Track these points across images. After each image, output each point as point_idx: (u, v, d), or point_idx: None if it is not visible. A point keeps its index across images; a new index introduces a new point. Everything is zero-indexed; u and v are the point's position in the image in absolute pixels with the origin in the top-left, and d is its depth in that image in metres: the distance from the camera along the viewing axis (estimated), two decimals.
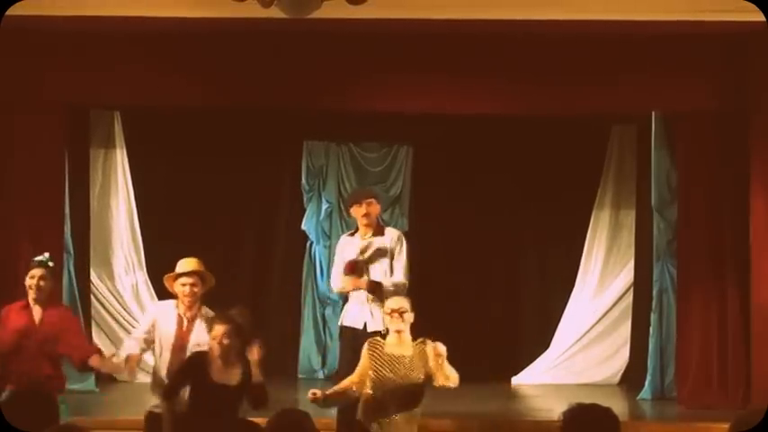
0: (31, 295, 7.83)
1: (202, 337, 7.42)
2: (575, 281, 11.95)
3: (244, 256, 12.21)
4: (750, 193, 9.75)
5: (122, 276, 11.46)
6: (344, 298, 8.90)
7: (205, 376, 7.01)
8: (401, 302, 7.32)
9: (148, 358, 8.20)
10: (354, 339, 8.19)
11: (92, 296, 11.20)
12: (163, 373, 7.49)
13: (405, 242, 8.68)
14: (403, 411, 7.12)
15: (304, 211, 12.04)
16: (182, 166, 11.78)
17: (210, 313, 7.71)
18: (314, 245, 12.00)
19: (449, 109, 10.08)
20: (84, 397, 9.89)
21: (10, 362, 7.61)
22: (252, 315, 7.41)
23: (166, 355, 7.56)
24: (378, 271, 8.54)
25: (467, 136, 11.60)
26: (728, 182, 9.95)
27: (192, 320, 7.67)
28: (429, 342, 7.33)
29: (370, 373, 7.16)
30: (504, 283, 12.30)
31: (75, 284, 10.71)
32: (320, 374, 11.73)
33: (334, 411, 8.05)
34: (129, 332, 10.00)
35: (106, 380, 10.38)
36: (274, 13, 7.48)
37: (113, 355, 7.89)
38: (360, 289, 8.46)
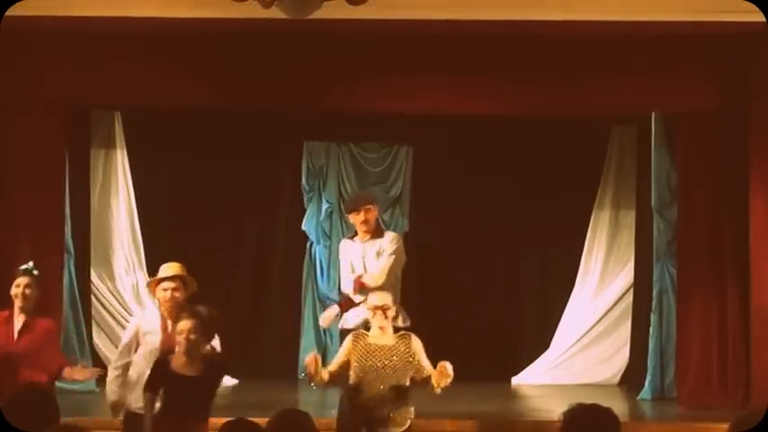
0: (18, 304, 7.82)
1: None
2: (575, 281, 11.95)
3: (244, 256, 12.22)
4: (750, 193, 9.75)
5: (123, 276, 11.46)
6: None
7: (169, 371, 7.01)
8: (384, 299, 7.34)
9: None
10: None
11: (92, 296, 11.20)
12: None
13: (398, 244, 8.71)
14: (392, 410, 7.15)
15: (304, 211, 12.04)
16: (182, 166, 11.78)
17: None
18: (314, 245, 12.00)
19: (449, 109, 10.08)
20: (84, 397, 9.89)
21: None
22: (217, 313, 7.36)
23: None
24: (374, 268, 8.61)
25: (467, 136, 11.61)
26: (728, 182, 9.95)
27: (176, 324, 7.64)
28: (413, 336, 7.38)
29: (353, 362, 7.20)
30: (504, 283, 12.30)
31: (75, 284, 10.72)
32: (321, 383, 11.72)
33: (334, 411, 8.04)
34: None
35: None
36: (275, 13, 7.49)
37: (84, 367, 7.86)
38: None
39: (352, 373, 7.24)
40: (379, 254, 8.67)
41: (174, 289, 7.66)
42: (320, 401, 10.04)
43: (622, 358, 11.75)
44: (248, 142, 11.79)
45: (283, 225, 12.21)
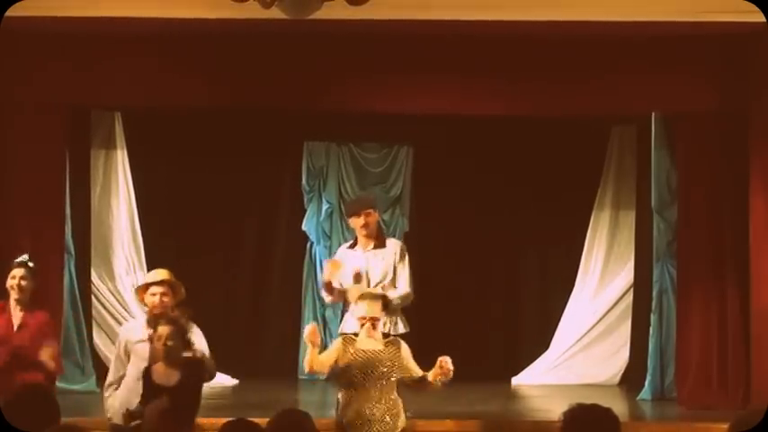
0: (13, 296, 7.84)
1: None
2: (575, 281, 11.96)
3: (244, 256, 12.22)
4: (750, 193, 9.75)
5: (123, 276, 11.46)
6: (344, 304, 8.92)
7: (152, 384, 7.00)
8: (374, 311, 7.30)
9: None
10: None
11: (92, 296, 11.20)
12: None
13: (407, 254, 8.66)
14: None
15: (304, 211, 12.04)
16: (182, 166, 11.79)
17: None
18: (314, 245, 12.00)
19: (449, 110, 10.08)
20: (85, 397, 9.90)
21: None
22: (191, 315, 7.36)
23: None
24: (381, 283, 8.54)
25: (467, 136, 11.61)
26: (728, 182, 9.95)
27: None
28: (402, 342, 7.41)
29: (341, 367, 7.21)
30: (504, 283, 12.31)
31: (75, 285, 10.72)
32: (321, 375, 11.72)
33: (334, 412, 8.04)
34: None
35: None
36: (275, 13, 7.50)
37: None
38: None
39: (342, 379, 7.26)
40: (394, 263, 8.58)
41: (162, 294, 7.60)
42: (320, 401, 10.06)
43: (622, 358, 11.75)
44: (248, 142, 11.80)
45: (283, 225, 12.21)
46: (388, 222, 11.64)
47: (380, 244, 8.65)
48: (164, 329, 7.06)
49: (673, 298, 10.55)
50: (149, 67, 9.66)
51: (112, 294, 11.40)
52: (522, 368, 11.83)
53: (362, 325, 7.28)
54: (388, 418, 7.21)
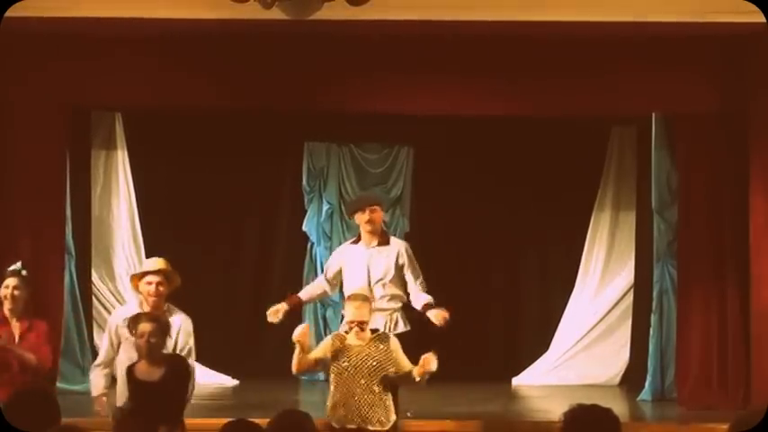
0: (7, 306, 7.81)
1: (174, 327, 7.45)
2: (575, 281, 11.97)
3: (245, 256, 12.23)
4: (750, 193, 9.75)
5: (123, 277, 11.46)
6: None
7: (135, 379, 7.02)
8: (362, 314, 7.30)
9: None
10: None
11: (93, 297, 11.21)
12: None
13: (411, 253, 8.65)
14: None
15: (305, 212, 12.04)
16: (183, 166, 11.79)
17: (175, 310, 7.71)
18: (315, 246, 12.00)
19: (449, 110, 10.08)
20: (85, 398, 9.87)
21: None
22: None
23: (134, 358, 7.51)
24: (382, 281, 8.54)
25: (467, 137, 11.61)
26: (729, 182, 9.95)
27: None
28: (390, 336, 7.49)
29: (332, 363, 7.27)
30: (504, 283, 12.31)
31: (76, 285, 10.73)
32: (321, 375, 11.72)
33: None
34: None
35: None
36: (275, 14, 7.49)
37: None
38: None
39: (330, 373, 7.32)
40: (403, 267, 8.59)
41: (158, 283, 7.64)
42: (320, 402, 10.03)
43: (622, 359, 11.75)
44: (249, 143, 11.80)
45: (284, 226, 12.21)
46: (388, 223, 11.62)
47: (384, 242, 8.65)
48: (145, 326, 7.07)
49: (673, 298, 10.55)
50: (150, 68, 9.66)
51: (113, 295, 11.41)
52: (523, 368, 11.83)
53: (351, 329, 7.30)
54: (379, 412, 7.21)
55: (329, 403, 7.35)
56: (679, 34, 9.42)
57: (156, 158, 11.75)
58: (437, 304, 8.58)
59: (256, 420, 4.77)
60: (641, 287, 11.40)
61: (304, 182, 12.06)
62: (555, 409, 7.35)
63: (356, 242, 8.76)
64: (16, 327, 7.85)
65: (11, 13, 8.54)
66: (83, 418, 8.16)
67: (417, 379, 7.30)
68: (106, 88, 9.80)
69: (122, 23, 9.10)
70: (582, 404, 4.40)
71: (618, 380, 11.76)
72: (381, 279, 8.53)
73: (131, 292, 8.00)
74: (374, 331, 7.46)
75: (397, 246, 8.67)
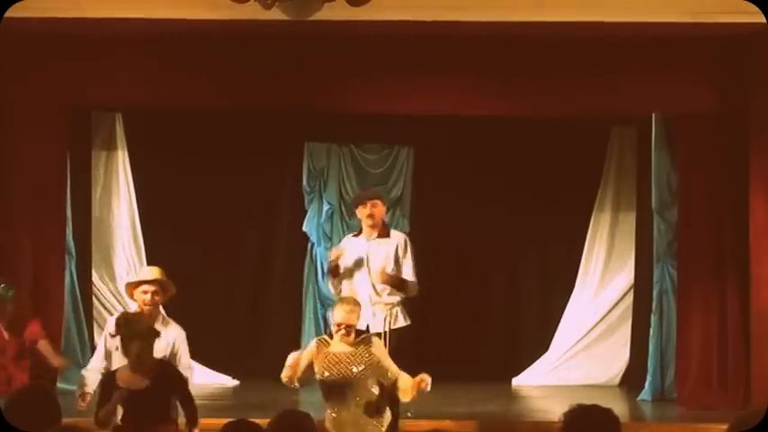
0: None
1: (162, 342, 7.43)
2: (575, 282, 11.96)
3: (245, 257, 12.23)
4: (750, 193, 9.76)
5: (124, 277, 11.42)
6: None
7: (114, 384, 7.00)
8: (351, 319, 7.24)
9: None
10: None
11: (93, 297, 11.22)
12: None
13: (410, 245, 8.71)
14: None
15: (305, 212, 12.04)
16: (183, 167, 11.79)
17: (169, 322, 7.77)
18: (315, 246, 12.00)
19: (450, 110, 10.09)
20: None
21: None
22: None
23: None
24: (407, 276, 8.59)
25: (468, 137, 11.61)
26: (729, 183, 9.96)
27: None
28: (373, 338, 7.39)
29: (317, 371, 7.19)
30: (504, 283, 12.31)
31: (76, 285, 10.74)
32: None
33: None
34: None
35: None
36: (276, 14, 7.50)
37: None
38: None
39: (317, 382, 7.24)
40: (398, 254, 8.62)
41: (153, 292, 7.70)
42: (321, 402, 10.03)
43: (622, 359, 11.75)
44: (249, 143, 11.80)
45: (284, 226, 12.21)
46: (389, 223, 11.62)
47: (384, 234, 8.73)
48: (127, 336, 7.05)
49: (673, 298, 10.55)
50: (150, 68, 9.67)
51: (113, 295, 11.40)
52: (523, 369, 11.83)
53: (337, 331, 7.24)
54: (374, 416, 7.20)
55: (326, 410, 7.30)
56: (679, 34, 9.43)
57: (156, 159, 11.74)
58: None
59: (256, 420, 4.78)
60: (641, 287, 11.41)
61: (304, 182, 12.07)
62: (555, 410, 7.36)
63: (357, 235, 8.88)
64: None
65: (11, 13, 8.54)
66: (83, 417, 8.17)
67: (407, 399, 7.24)
68: (106, 89, 9.81)
69: (123, 24, 9.11)
70: (582, 404, 4.40)
71: (618, 380, 11.76)
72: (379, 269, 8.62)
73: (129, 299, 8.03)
74: (359, 334, 7.32)
75: (397, 238, 8.75)
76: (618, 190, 11.92)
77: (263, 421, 4.82)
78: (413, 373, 7.27)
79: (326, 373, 7.16)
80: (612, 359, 11.78)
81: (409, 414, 8.73)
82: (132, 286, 7.80)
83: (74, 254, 10.77)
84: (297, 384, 7.27)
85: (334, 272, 8.72)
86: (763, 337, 9.61)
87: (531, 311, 12.22)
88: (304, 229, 12.04)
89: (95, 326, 11.15)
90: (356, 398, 7.15)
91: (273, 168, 12.14)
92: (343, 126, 11.58)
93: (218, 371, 11.44)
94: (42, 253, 9.90)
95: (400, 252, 8.66)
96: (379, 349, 7.32)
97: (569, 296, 11.95)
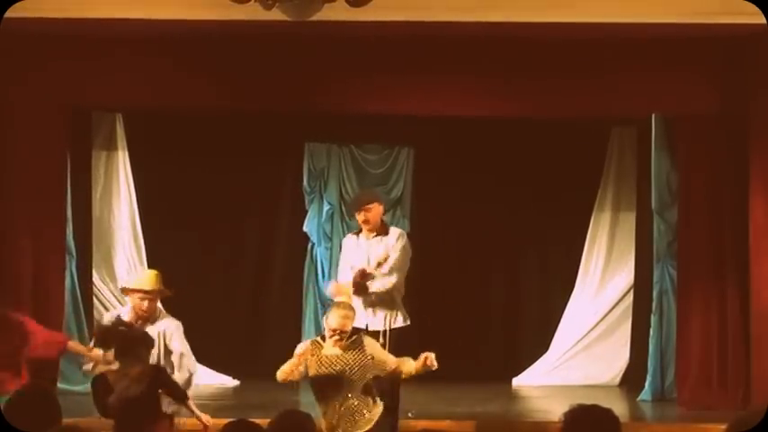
0: None
1: (153, 331, 7.52)
2: (575, 282, 11.97)
3: (245, 257, 12.23)
4: (750, 193, 9.76)
5: (124, 278, 11.45)
6: None
7: (108, 390, 7.01)
8: (345, 325, 7.27)
9: None
10: None
11: (94, 297, 11.22)
12: None
13: (404, 240, 8.70)
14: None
15: (305, 212, 12.05)
16: (183, 167, 11.78)
17: (164, 315, 7.86)
18: (315, 246, 12.01)
19: (450, 111, 10.10)
20: (86, 398, 9.86)
21: None
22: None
23: None
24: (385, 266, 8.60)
25: (468, 138, 11.61)
26: (729, 183, 9.96)
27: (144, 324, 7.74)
28: (364, 337, 7.42)
29: (310, 372, 7.22)
30: (504, 283, 12.31)
31: (77, 286, 10.73)
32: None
33: None
34: None
35: None
36: (276, 15, 7.50)
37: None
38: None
39: (311, 384, 7.28)
40: (386, 251, 8.65)
41: (150, 300, 7.81)
42: None
43: (623, 359, 11.75)
44: (249, 144, 11.80)
45: (284, 226, 12.21)
46: (389, 223, 11.63)
47: (383, 233, 8.76)
48: (110, 347, 7.07)
49: (673, 299, 10.56)
50: (150, 69, 9.68)
51: (113, 295, 11.40)
52: (523, 369, 11.83)
53: (331, 336, 7.25)
54: (365, 415, 7.20)
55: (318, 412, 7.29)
56: (679, 35, 9.43)
57: (156, 159, 11.74)
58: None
59: (257, 421, 4.78)
60: (641, 287, 11.41)
61: (304, 182, 12.07)
62: (555, 410, 7.37)
63: (357, 234, 8.92)
64: None
65: (11, 13, 8.54)
66: (83, 418, 8.17)
67: (411, 373, 7.26)
68: (107, 89, 9.82)
69: (123, 24, 9.11)
70: (582, 404, 4.40)
71: (618, 380, 11.77)
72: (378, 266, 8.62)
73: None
74: (351, 335, 7.34)
75: (396, 234, 8.76)
76: (618, 190, 11.92)
77: (263, 421, 4.83)
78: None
79: (319, 375, 7.19)
80: (612, 359, 11.79)
81: (410, 414, 8.74)
82: (128, 291, 7.85)
83: (74, 254, 10.77)
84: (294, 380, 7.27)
85: (362, 290, 8.64)
86: (763, 337, 9.61)
87: (531, 311, 12.22)
88: (304, 229, 12.04)
89: (96, 325, 11.15)
90: (347, 396, 7.16)
91: (274, 169, 12.14)
92: (343, 126, 11.59)
93: (218, 371, 11.44)
94: (43, 253, 9.90)
95: (394, 245, 8.67)
96: (372, 347, 7.35)
97: (569, 296, 11.95)
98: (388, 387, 7.82)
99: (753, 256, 9.71)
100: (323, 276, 11.88)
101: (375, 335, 8.09)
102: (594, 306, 11.88)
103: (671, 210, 10.52)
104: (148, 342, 7.20)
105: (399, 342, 8.37)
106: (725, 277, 9.98)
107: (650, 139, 10.70)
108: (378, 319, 8.48)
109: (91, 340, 10.81)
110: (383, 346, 7.93)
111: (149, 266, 11.46)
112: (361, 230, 8.90)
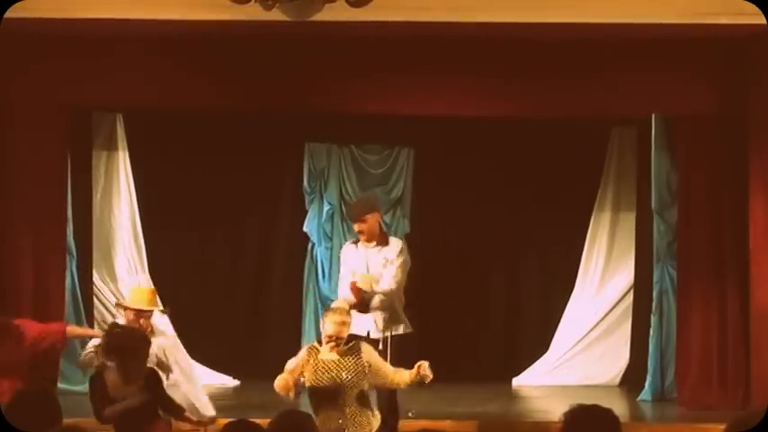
0: None
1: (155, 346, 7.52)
2: (575, 282, 11.97)
3: (245, 257, 12.23)
4: (750, 194, 9.76)
5: (125, 278, 11.48)
6: None
7: (104, 391, 7.01)
8: (341, 331, 7.22)
9: None
10: None
11: (94, 297, 11.22)
12: None
13: (405, 252, 8.66)
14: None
15: (305, 212, 12.05)
16: (184, 167, 11.79)
17: (158, 332, 7.90)
18: (315, 246, 12.01)
19: (450, 111, 10.10)
20: (86, 398, 9.87)
21: None
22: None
23: None
24: (384, 280, 8.54)
25: (468, 138, 11.62)
26: (729, 183, 9.96)
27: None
28: (362, 344, 7.37)
29: (307, 378, 7.19)
30: (505, 283, 12.31)
31: (77, 286, 10.74)
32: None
33: None
34: None
35: None
36: (276, 15, 7.51)
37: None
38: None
39: (307, 390, 7.24)
40: (386, 263, 8.60)
41: (145, 317, 7.85)
42: None
43: (623, 359, 11.76)
44: (250, 144, 11.80)
45: (285, 226, 12.22)
46: (389, 224, 11.64)
47: (383, 242, 8.69)
48: (120, 354, 7.07)
49: (673, 299, 10.56)
50: (151, 69, 9.68)
51: (114, 295, 11.40)
52: (523, 369, 11.84)
53: (327, 342, 7.22)
54: (363, 423, 7.18)
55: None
56: (679, 35, 9.44)
57: (156, 159, 11.75)
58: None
59: (257, 421, 4.78)
60: (641, 287, 11.41)
61: (305, 183, 12.07)
62: (555, 410, 7.37)
63: (356, 243, 8.82)
64: None
65: (11, 13, 8.54)
66: (84, 418, 8.18)
67: (406, 383, 7.24)
68: (107, 89, 9.82)
69: (123, 25, 9.11)
70: (582, 404, 4.40)
71: (618, 380, 11.77)
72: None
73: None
74: (348, 341, 7.31)
75: (395, 245, 8.70)
76: (618, 190, 11.93)
77: (263, 421, 4.83)
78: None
79: (316, 380, 7.16)
80: (612, 359, 11.79)
81: (410, 414, 8.75)
82: (125, 308, 7.92)
83: (74, 254, 10.78)
84: (291, 395, 7.22)
85: (362, 308, 8.59)
86: (763, 337, 9.62)
87: (531, 311, 12.22)
88: (305, 229, 12.04)
89: (96, 326, 11.14)
90: (344, 404, 7.14)
91: (274, 169, 12.14)
92: (343, 127, 11.59)
93: (218, 371, 11.45)
94: (43, 253, 9.91)
95: (393, 257, 8.60)
96: (369, 354, 7.30)
97: (569, 296, 11.96)
98: (386, 392, 7.82)
99: (753, 256, 9.71)
100: (323, 276, 11.89)
101: (376, 342, 8.06)
102: (594, 306, 11.89)
103: (671, 210, 10.53)
104: (147, 344, 7.20)
105: (400, 350, 8.35)
106: (725, 277, 9.98)
107: (650, 139, 10.71)
108: (378, 327, 8.45)
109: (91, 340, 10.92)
110: (384, 353, 7.90)
111: (149, 266, 11.49)
112: (359, 240, 8.79)
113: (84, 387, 10.12)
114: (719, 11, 9.02)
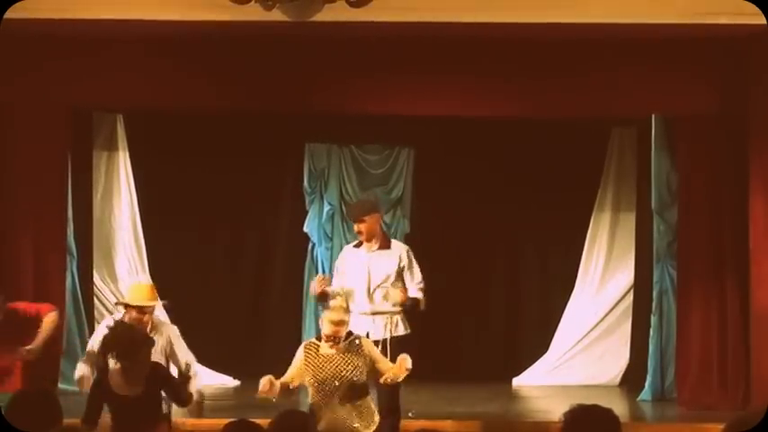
0: None
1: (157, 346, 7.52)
2: (575, 282, 11.97)
3: (246, 257, 12.23)
4: (750, 194, 9.77)
5: (125, 278, 11.47)
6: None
7: (108, 390, 7.00)
8: (339, 331, 7.22)
9: None
10: None
11: (95, 297, 11.23)
12: None
13: (413, 257, 8.65)
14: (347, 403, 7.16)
15: (306, 213, 12.05)
16: (184, 168, 11.79)
17: (160, 324, 7.89)
18: (316, 247, 12.01)
19: (450, 111, 10.10)
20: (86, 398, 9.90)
21: None
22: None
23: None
24: (383, 285, 8.54)
25: (468, 138, 11.62)
26: (729, 183, 9.97)
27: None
28: (362, 338, 7.40)
29: (308, 375, 7.19)
30: (504, 283, 12.32)
31: (77, 286, 10.75)
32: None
33: None
34: None
35: None
36: (276, 16, 7.51)
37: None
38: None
39: (308, 386, 7.23)
40: (401, 271, 8.56)
41: (146, 314, 7.82)
42: None
43: (623, 359, 11.76)
44: (250, 144, 11.81)
45: (285, 227, 12.22)
46: (389, 224, 11.64)
47: (384, 245, 8.65)
48: (122, 352, 7.07)
49: (673, 299, 10.56)
50: (151, 69, 9.69)
51: (114, 295, 11.40)
52: (523, 369, 11.84)
53: (326, 341, 7.21)
54: (357, 424, 7.18)
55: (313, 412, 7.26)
56: (679, 35, 9.44)
57: (157, 159, 11.75)
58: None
59: (257, 421, 4.79)
60: (641, 287, 11.42)
61: (305, 183, 12.07)
62: (555, 410, 7.37)
63: (358, 246, 8.77)
64: None
65: (11, 14, 8.54)
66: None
67: (388, 380, 7.26)
68: (107, 89, 9.83)
69: (123, 25, 9.12)
70: (582, 404, 4.41)
71: (618, 380, 11.77)
72: (381, 283, 8.52)
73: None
74: (348, 336, 7.30)
75: (399, 250, 8.67)
76: (618, 190, 11.93)
77: (263, 421, 4.84)
78: (413, 373, 7.31)
79: (319, 375, 7.16)
80: (612, 359, 11.79)
81: (410, 414, 8.75)
82: (125, 306, 7.90)
83: (75, 254, 10.78)
84: (274, 396, 7.15)
85: (322, 298, 8.56)
86: (763, 337, 9.62)
87: (531, 311, 12.23)
88: (305, 229, 12.04)
89: (96, 326, 11.16)
90: (348, 397, 7.14)
91: (274, 169, 12.14)
92: (343, 127, 11.59)
93: (219, 371, 11.45)
94: (43, 253, 9.91)
95: (404, 265, 8.57)
96: (370, 349, 7.33)
97: (569, 296, 11.96)
98: (388, 388, 7.81)
99: (753, 256, 9.72)
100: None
101: (375, 344, 8.05)
102: (594, 306, 11.89)
103: (671, 210, 10.53)
104: (150, 343, 7.20)
105: (400, 350, 8.32)
106: (725, 277, 9.98)
107: (650, 139, 10.71)
108: (378, 327, 8.44)
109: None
110: (383, 354, 7.90)
111: (150, 266, 11.48)
112: (360, 243, 8.74)
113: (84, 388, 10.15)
114: (719, 11, 9.01)
